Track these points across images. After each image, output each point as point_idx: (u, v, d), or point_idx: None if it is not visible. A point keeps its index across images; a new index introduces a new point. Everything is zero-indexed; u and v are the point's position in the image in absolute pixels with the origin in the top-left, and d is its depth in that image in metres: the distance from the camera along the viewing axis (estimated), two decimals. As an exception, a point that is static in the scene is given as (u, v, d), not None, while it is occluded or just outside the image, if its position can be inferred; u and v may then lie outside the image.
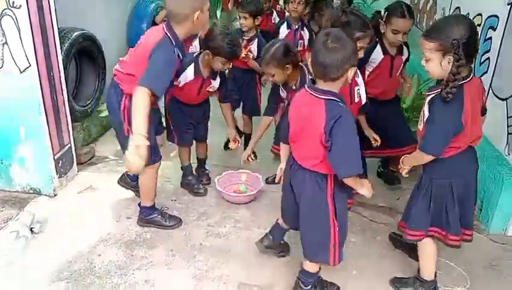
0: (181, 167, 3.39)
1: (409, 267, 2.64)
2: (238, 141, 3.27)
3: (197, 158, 3.53)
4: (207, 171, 3.55)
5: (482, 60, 3.30)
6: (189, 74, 2.93)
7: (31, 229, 2.80)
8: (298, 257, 2.60)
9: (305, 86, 2.09)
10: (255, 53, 3.61)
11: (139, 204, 2.92)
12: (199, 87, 3.01)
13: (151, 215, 2.89)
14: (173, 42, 2.44)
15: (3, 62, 2.84)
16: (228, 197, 3.24)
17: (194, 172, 3.45)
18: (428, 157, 2.11)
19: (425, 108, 2.10)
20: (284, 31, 3.94)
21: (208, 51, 2.87)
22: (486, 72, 3.23)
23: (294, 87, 2.95)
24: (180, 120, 3.17)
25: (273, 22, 5.47)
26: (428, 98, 2.09)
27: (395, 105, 3.28)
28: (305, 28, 4.00)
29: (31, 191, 3.19)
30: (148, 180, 2.81)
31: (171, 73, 2.49)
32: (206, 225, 2.98)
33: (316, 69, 1.98)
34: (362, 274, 2.60)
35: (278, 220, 2.58)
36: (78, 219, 2.98)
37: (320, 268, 2.35)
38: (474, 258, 2.74)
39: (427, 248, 2.34)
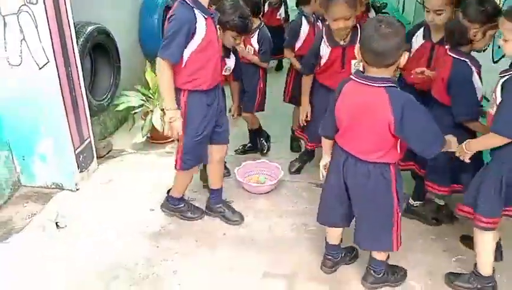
0: None
1: (438, 251, 2.64)
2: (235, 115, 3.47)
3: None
4: (225, 163, 3.48)
5: (501, 43, 3.24)
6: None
7: (56, 224, 2.84)
8: (319, 247, 2.62)
9: (352, 76, 2.05)
10: (256, 46, 3.39)
11: (168, 191, 2.92)
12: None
13: (177, 205, 2.91)
14: (190, 3, 2.32)
15: (21, 59, 2.85)
16: (248, 188, 3.25)
17: None
18: (499, 140, 2.05)
19: (498, 90, 2.06)
20: (305, 26, 3.54)
21: (219, 26, 2.66)
22: (505, 55, 3.18)
23: (342, 43, 2.80)
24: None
25: (278, 16, 5.35)
26: (502, 80, 2.06)
27: None
28: (319, 20, 3.84)
29: (53, 186, 3.23)
30: (184, 180, 2.84)
31: (183, 34, 2.31)
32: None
33: (368, 56, 1.94)
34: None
35: (326, 239, 2.49)
36: (102, 212, 3.01)
37: (389, 255, 2.36)
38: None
39: (487, 238, 2.24)
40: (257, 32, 3.39)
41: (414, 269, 2.52)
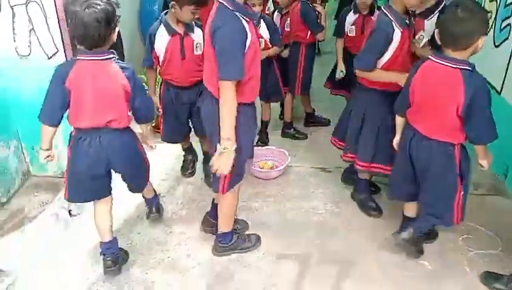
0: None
1: (446, 232, 2.72)
2: None
3: (203, 152, 3.30)
4: None
5: (502, 26, 3.31)
6: (163, 38, 2.72)
7: (69, 212, 2.87)
8: (328, 229, 2.69)
9: (431, 56, 2.11)
10: (267, 35, 3.36)
11: (216, 230, 2.56)
12: (180, 48, 2.72)
13: (231, 241, 2.55)
14: (231, 7, 2.02)
15: (30, 49, 2.86)
16: (257, 173, 3.30)
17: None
18: None
19: None
20: (351, 17, 3.63)
21: (173, 3, 2.59)
22: (507, 39, 3.24)
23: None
24: (171, 110, 2.99)
25: (267, 11, 5.23)
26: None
27: None
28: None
29: (63, 176, 3.24)
30: (234, 201, 2.48)
31: (242, 47, 2.02)
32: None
33: (445, 38, 2.03)
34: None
35: (403, 213, 2.57)
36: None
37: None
38: (505, 223, 2.81)
39: None
40: (262, 21, 3.41)
41: (424, 250, 2.58)
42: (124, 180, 2.43)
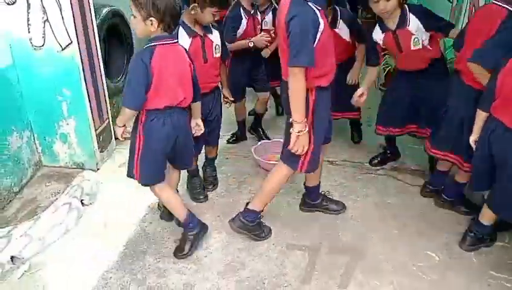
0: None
1: (454, 224, 2.75)
2: (229, 101, 3.11)
3: (206, 157, 3.18)
4: (214, 174, 3.20)
5: None
6: (184, 41, 2.54)
7: (81, 202, 2.91)
8: (337, 221, 2.73)
9: None
10: (271, 25, 3.38)
11: (247, 205, 2.64)
12: (202, 51, 2.62)
13: (253, 223, 2.60)
14: None
15: (44, 40, 2.89)
16: (266, 166, 3.33)
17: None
18: None
19: None
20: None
21: (194, 4, 2.50)
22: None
23: (392, 27, 2.83)
24: None
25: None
26: None
27: None
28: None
29: (74, 166, 3.29)
30: (275, 188, 2.59)
31: (314, 36, 2.12)
32: (248, 192, 3.09)
33: None
34: (403, 231, 2.72)
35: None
36: (124, 190, 3.08)
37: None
38: None
39: None
40: (271, 13, 3.43)
41: (432, 241, 2.63)
42: (174, 161, 2.55)
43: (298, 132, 2.22)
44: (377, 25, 2.93)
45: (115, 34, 3.95)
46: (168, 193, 2.50)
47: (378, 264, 2.48)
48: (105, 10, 3.58)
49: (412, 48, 2.84)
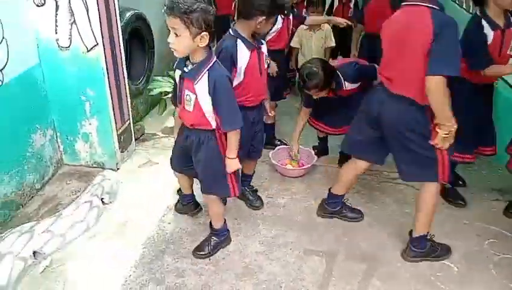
0: None
1: (473, 235, 2.74)
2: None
3: (243, 174, 2.94)
4: (255, 188, 3.11)
5: None
6: (243, 55, 2.43)
7: (102, 200, 2.95)
8: (354, 228, 2.73)
9: None
10: None
11: (410, 234, 2.60)
12: (258, 64, 2.53)
13: (425, 248, 2.56)
14: (438, 7, 2.16)
15: (71, 41, 2.95)
16: (283, 171, 3.35)
17: None
18: None
19: None
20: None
21: (262, 16, 2.36)
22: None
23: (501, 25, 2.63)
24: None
25: (349, 14, 4.84)
26: None
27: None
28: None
29: (95, 165, 3.34)
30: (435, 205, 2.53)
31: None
32: (265, 197, 3.10)
33: None
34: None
35: None
36: (143, 190, 3.13)
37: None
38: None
39: None
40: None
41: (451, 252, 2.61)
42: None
43: (448, 133, 2.19)
44: (483, 21, 2.60)
45: (137, 37, 4.01)
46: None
47: (396, 273, 2.48)
48: (129, 14, 3.64)
49: (509, 52, 2.65)
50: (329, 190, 2.88)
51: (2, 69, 2.63)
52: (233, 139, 2.23)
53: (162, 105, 4.17)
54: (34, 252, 2.50)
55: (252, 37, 2.47)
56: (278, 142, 3.75)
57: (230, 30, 2.48)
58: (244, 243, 2.68)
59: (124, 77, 3.32)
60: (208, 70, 2.08)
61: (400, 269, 2.50)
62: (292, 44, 4.20)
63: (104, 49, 3.00)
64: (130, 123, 3.47)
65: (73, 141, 3.28)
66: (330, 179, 3.33)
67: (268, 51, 2.75)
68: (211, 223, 2.61)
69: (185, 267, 2.48)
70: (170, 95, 4.06)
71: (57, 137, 3.27)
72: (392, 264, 2.54)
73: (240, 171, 2.51)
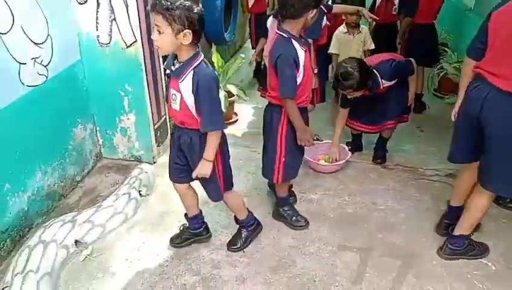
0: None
1: None
2: None
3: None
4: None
5: None
6: (301, 54, 2.35)
7: (139, 193, 3.04)
8: (389, 225, 2.71)
9: None
10: None
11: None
12: (309, 60, 2.47)
13: (462, 245, 2.52)
14: None
15: (111, 37, 3.04)
16: (315, 166, 3.36)
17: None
18: None
19: None
20: None
21: (314, 10, 2.30)
22: None
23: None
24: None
25: (393, 12, 4.62)
26: None
27: None
28: None
29: (132, 159, 3.44)
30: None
31: None
32: (298, 192, 3.12)
33: None
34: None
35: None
36: (179, 184, 3.19)
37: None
38: None
39: None
40: None
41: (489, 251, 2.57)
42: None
43: None
44: None
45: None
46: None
47: (432, 270, 2.45)
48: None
49: None
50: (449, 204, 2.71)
51: (46, 65, 2.74)
52: (212, 140, 2.13)
53: (196, 101, 4.24)
54: (76, 241, 2.60)
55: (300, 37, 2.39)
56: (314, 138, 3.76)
57: (281, 33, 2.33)
58: (277, 237, 2.70)
59: (160, 73, 3.39)
60: (193, 69, 2.02)
61: (436, 266, 2.47)
62: (331, 50, 3.98)
63: (143, 45, 3.07)
64: (166, 118, 3.55)
65: (111, 135, 3.39)
66: (364, 175, 3.33)
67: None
68: (235, 217, 2.63)
69: (220, 259, 2.53)
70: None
71: (96, 131, 3.38)
72: (428, 261, 2.51)
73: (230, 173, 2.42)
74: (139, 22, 3.00)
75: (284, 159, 2.57)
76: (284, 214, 2.79)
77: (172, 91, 2.13)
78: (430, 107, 4.40)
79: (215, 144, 2.16)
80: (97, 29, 3.03)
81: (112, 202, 2.87)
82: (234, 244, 2.61)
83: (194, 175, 2.25)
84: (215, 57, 4.28)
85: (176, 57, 2.10)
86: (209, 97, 2.05)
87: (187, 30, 1.93)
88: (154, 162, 3.43)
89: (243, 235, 2.62)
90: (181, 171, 2.40)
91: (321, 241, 2.67)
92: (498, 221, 2.82)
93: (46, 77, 2.76)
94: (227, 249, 2.60)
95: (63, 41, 2.89)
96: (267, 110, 2.59)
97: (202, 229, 2.64)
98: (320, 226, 2.79)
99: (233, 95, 4.16)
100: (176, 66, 2.08)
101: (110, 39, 3.05)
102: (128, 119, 3.30)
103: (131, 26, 2.98)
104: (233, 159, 3.45)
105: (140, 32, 3.03)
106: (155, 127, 3.36)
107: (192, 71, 2.03)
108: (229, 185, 2.45)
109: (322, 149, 3.52)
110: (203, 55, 2.08)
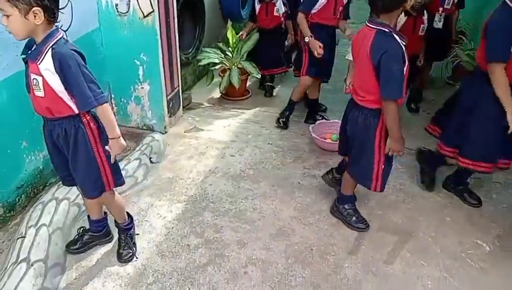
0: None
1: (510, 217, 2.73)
2: None
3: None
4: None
5: None
6: (403, 48, 2.18)
7: (150, 159, 3.15)
8: (389, 201, 2.78)
9: None
10: (282, 11, 3.75)
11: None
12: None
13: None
14: None
15: (129, 7, 3.13)
16: (321, 144, 3.43)
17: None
18: None
19: None
20: None
21: None
22: None
23: None
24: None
25: None
26: None
27: None
28: None
29: (145, 128, 3.55)
30: None
31: None
32: (302, 168, 3.21)
33: None
34: (456, 219, 2.73)
35: None
36: (188, 153, 3.31)
37: None
38: None
39: None
40: None
41: (484, 232, 2.64)
42: None
43: None
44: None
45: (188, 8, 4.16)
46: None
47: (427, 247, 2.53)
48: (183, -16, 3.78)
49: None
50: None
51: (66, 30, 2.84)
52: (104, 116, 1.96)
53: (210, 76, 4.34)
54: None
55: None
56: (319, 117, 3.82)
57: (380, 27, 2.16)
58: (279, 207, 2.80)
59: (175, 45, 3.48)
60: (51, 47, 1.83)
61: (431, 244, 2.55)
62: (349, 56, 3.63)
63: (159, 16, 3.15)
64: (178, 90, 3.64)
65: (126, 104, 3.50)
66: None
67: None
68: (115, 221, 2.41)
69: (223, 224, 2.64)
70: (217, 67, 4.28)
71: (111, 98, 3.49)
72: (424, 239, 2.59)
73: (115, 161, 2.13)
74: (157, -7, 3.08)
75: (383, 166, 2.38)
76: (344, 213, 2.67)
77: (32, 76, 1.89)
78: (444, 95, 4.37)
79: (109, 119, 1.97)
80: (116, -1, 3.11)
81: (124, 165, 2.99)
82: (123, 255, 2.38)
83: (112, 160, 2.07)
84: (230, 34, 4.35)
85: (34, 42, 1.88)
86: (78, 73, 1.86)
87: (36, 8, 1.75)
88: (166, 132, 3.54)
89: (130, 240, 2.41)
90: (68, 172, 2.15)
91: (321, 213, 2.76)
92: (497, 206, 2.88)
93: (66, 42, 2.85)
94: (120, 261, 2.36)
95: (83, 8, 2.97)
96: (357, 112, 2.35)
97: (103, 232, 2.47)
98: (322, 200, 2.87)
99: (247, 72, 4.24)
100: (32, 49, 1.88)
101: (128, 8, 3.14)
102: (142, 88, 3.40)
103: (149, -4, 3.06)
104: (242, 133, 3.61)
105: (158, 2, 3.11)
106: (168, 97, 3.46)
107: (50, 49, 1.83)
108: (118, 179, 2.21)
109: (329, 127, 3.59)
110: (62, 33, 1.90)
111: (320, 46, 3.31)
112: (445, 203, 2.86)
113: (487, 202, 2.90)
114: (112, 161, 2.09)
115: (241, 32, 4.38)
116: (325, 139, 3.49)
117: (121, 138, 2.04)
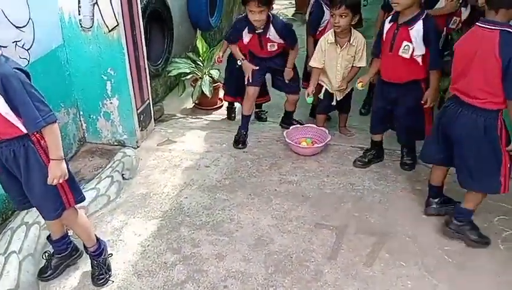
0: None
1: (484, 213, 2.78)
2: None
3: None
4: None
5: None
6: None
7: (122, 176, 3.09)
8: (365, 204, 2.80)
9: None
10: (278, 41, 3.31)
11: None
12: None
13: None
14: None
15: (93, 22, 3.07)
16: (296, 149, 3.43)
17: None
18: None
19: None
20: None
21: None
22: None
23: None
24: None
25: None
26: None
27: None
28: None
29: (116, 143, 3.48)
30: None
31: None
32: (278, 174, 3.20)
33: None
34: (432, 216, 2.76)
35: None
36: (162, 167, 3.26)
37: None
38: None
39: None
40: (271, 27, 3.27)
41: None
42: None
43: None
44: None
45: (156, 19, 4.11)
46: None
47: (405, 246, 2.54)
48: (148, -5, 3.74)
49: None
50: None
51: (28, 49, 2.76)
52: (50, 137, 1.89)
53: (182, 86, 4.28)
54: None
55: None
56: (294, 122, 3.82)
57: (505, 28, 2.17)
58: (257, 216, 2.78)
59: (143, 57, 3.43)
60: None
61: (409, 243, 2.57)
62: (312, 63, 3.38)
63: (125, 29, 3.10)
64: (149, 103, 3.59)
65: (95, 120, 3.43)
66: (343, 158, 3.40)
67: None
68: (84, 245, 2.32)
69: (200, 237, 2.61)
70: (188, 77, 4.22)
71: (80, 116, 3.41)
72: (402, 238, 2.61)
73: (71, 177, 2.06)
74: (121, 6, 3.03)
75: (509, 166, 2.36)
76: (468, 234, 2.55)
77: None
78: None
79: (56, 139, 1.91)
80: (79, 13, 3.05)
81: (95, 184, 2.92)
82: (98, 280, 2.30)
83: (49, 181, 1.94)
84: (200, 43, 4.32)
85: None
86: (23, 92, 1.79)
87: None
88: (138, 147, 3.47)
89: (103, 265, 2.31)
90: (23, 196, 2.08)
91: (299, 220, 2.75)
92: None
93: (28, 61, 2.78)
94: (95, 286, 2.30)
95: (45, 25, 2.90)
96: (474, 116, 2.32)
97: (69, 250, 2.37)
98: (299, 206, 2.87)
99: (218, 81, 4.21)
100: None
101: (93, 23, 3.08)
102: (111, 103, 3.33)
103: (113, 10, 3.01)
104: (216, 143, 3.58)
105: (123, 16, 3.06)
106: (138, 111, 3.41)
107: None
108: (77, 195, 2.13)
109: (303, 132, 3.59)
110: (1, 51, 1.84)
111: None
112: (421, 202, 2.88)
113: (461, 196, 2.93)
114: (49, 183, 1.93)
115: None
116: (299, 143, 3.49)
117: (64, 161, 1.94)
